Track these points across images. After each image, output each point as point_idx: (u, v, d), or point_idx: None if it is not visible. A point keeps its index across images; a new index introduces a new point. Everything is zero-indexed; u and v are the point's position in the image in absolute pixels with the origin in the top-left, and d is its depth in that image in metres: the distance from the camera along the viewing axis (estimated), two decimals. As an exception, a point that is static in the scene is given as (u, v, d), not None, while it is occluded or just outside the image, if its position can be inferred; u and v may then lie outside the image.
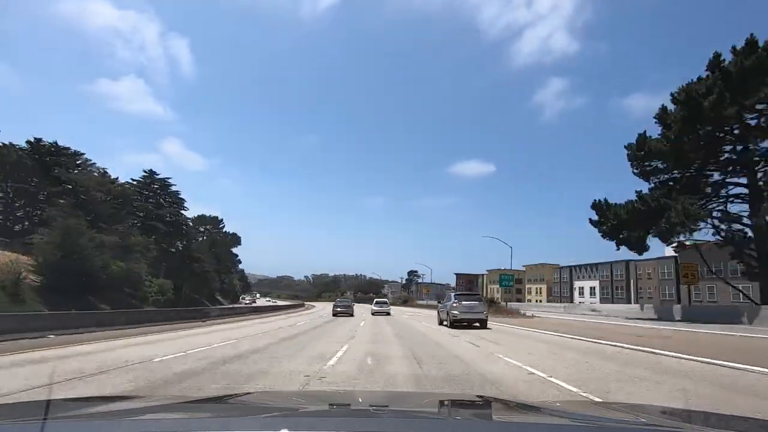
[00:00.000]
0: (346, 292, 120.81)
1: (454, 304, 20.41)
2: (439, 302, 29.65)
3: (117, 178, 45.27)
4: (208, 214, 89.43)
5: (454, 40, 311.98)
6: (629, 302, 50.61)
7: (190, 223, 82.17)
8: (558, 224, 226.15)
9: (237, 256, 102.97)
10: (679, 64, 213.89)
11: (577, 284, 65.56)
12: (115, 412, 1.76)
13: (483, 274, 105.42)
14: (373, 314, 36.43)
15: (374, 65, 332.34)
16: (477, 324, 19.89)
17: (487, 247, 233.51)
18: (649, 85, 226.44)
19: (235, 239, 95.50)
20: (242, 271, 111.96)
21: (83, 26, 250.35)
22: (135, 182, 54.04)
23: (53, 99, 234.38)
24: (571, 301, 60.35)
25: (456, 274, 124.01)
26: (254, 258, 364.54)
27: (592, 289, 61.85)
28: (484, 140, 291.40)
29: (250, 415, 1.64)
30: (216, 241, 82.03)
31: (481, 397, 2.86)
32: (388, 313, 37.45)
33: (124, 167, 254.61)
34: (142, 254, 45.32)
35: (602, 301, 53.57)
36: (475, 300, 21.41)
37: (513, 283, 37.36)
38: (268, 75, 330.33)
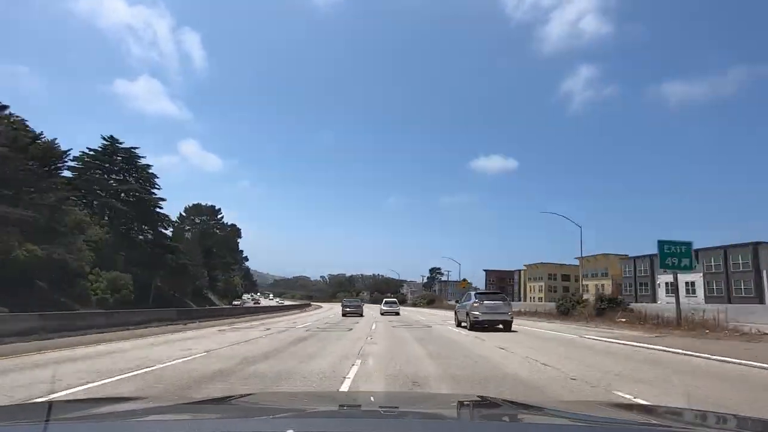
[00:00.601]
0: (362, 292, 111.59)
1: (475, 304, 17.61)
2: (456, 302, 23.22)
3: (42, 134, 34.83)
4: (204, 203, 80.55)
5: (476, 25, 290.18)
6: (762, 301, 34.96)
7: (182, 213, 72.67)
8: (592, 219, 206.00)
9: (243, 252, 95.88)
10: (720, 46, 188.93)
11: (662, 279, 49.21)
12: (119, 413, 1.75)
13: (519, 270, 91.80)
14: (382, 314, 35.67)
15: (390, 57, 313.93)
16: (500, 326, 17.53)
17: (516, 244, 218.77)
18: (687, 70, 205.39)
19: (235, 232, 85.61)
20: (247, 268, 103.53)
21: (98, 24, 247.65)
22: (92, 152, 44.31)
23: (74, 101, 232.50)
24: (654, 301, 44.95)
25: (486, 270, 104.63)
26: (271, 258, 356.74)
27: (690, 284, 45.28)
28: (506, 134, 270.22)
29: (256, 416, 1.63)
30: (208, 233, 72.33)
31: (484, 397, 2.74)
32: (397, 313, 36.65)
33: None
34: (76, 236, 35.02)
35: (709, 300, 37.81)
36: (499, 299, 18.64)
37: (692, 263, 19.76)
38: (281, 69, 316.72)
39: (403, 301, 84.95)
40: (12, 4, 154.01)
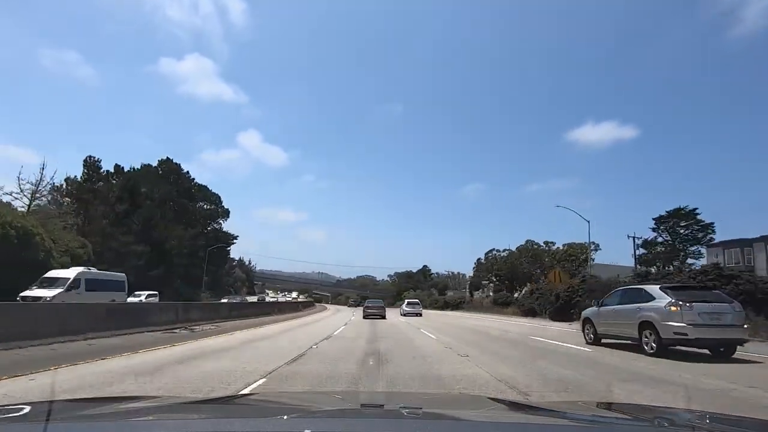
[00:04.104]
0: (447, 292, 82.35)
1: (673, 309, 9.75)
2: (595, 303, 13.63)
3: None
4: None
5: None
6: None
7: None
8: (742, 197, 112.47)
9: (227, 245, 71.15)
10: None
11: None
12: (122, 413, 1.69)
13: None
14: (403, 315, 35.22)
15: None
16: (723, 350, 9.89)
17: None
18: None
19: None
20: (226, 254, 75.33)
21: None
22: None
23: (125, 86, 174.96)
24: None
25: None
26: (336, 257, 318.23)
27: None
28: (624, 90, 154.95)
29: (270, 416, 1.58)
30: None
31: (494, 398, 2.81)
32: (419, 314, 35.86)
33: (210, 170, 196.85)
34: None
35: None
36: (723, 300, 10.35)
37: None
38: (331, 25, 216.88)
39: None
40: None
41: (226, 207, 74.00)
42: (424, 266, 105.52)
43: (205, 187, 71.33)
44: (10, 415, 1.49)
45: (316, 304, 72.54)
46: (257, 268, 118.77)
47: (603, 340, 12.73)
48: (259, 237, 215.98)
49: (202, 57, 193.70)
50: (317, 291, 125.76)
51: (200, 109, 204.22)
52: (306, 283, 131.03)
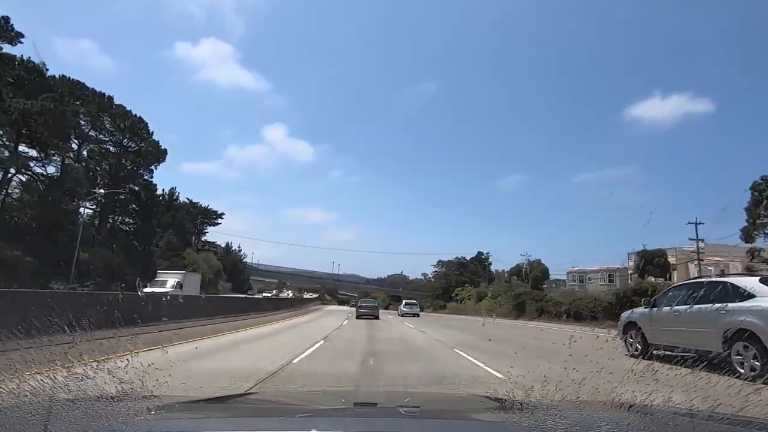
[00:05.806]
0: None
1: None
2: (645, 303, 10.68)
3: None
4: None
5: None
6: None
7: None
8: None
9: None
10: None
11: None
12: (122, 412, 1.65)
13: None
14: (401, 315, 37.61)
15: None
16: None
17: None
18: None
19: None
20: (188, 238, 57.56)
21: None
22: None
23: (144, 77, 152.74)
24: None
25: None
26: (366, 257, 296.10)
27: None
28: (699, 55, 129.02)
29: (274, 416, 1.60)
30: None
31: (492, 397, 2.73)
32: (417, 315, 37.58)
33: (237, 170, 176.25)
34: None
35: None
36: None
37: None
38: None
39: None
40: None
41: (163, 148, 44.07)
42: (479, 253, 77.26)
43: (121, 106, 40.79)
44: (10, 414, 1.49)
45: (320, 304, 67.97)
46: (279, 266, 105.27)
47: (657, 351, 9.75)
48: (285, 235, 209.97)
49: (218, 41, 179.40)
50: (343, 291, 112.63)
51: (221, 101, 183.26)
52: (332, 282, 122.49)
